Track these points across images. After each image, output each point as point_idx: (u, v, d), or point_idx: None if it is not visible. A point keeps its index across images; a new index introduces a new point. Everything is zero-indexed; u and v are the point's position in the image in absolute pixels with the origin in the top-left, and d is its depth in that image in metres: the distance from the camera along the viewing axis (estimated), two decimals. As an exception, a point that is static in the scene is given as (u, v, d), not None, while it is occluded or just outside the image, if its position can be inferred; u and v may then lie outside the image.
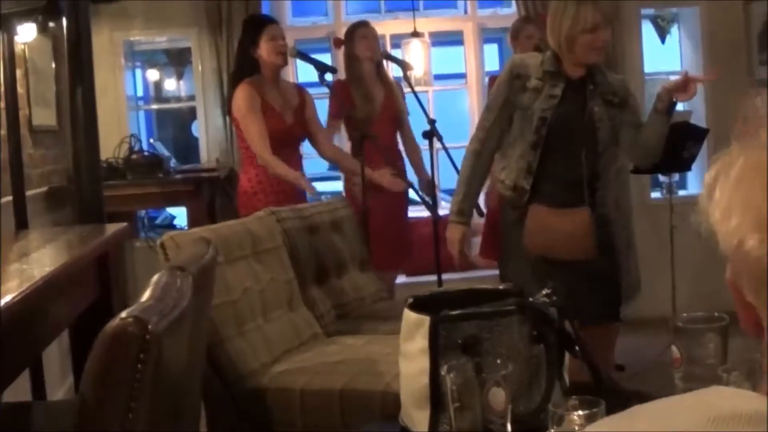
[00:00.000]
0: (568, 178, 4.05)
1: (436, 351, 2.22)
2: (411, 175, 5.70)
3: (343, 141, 6.27)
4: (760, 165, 0.95)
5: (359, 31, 5.61)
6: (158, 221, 7.87)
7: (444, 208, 6.71)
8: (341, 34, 5.84)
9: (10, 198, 4.17)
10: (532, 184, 4.05)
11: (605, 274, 4.18)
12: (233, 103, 5.13)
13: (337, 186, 5.68)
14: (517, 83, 4.04)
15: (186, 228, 5.92)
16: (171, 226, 7.76)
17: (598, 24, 3.97)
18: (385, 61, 5.77)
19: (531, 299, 2.40)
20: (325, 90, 5.25)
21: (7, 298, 2.05)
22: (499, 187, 4.21)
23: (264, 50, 5.11)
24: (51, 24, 4.48)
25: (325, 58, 6.21)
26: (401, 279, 6.34)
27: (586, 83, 4.06)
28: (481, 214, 5.05)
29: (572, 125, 4.02)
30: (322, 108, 5.65)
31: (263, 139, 5.02)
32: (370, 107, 5.51)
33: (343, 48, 5.69)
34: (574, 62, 4.02)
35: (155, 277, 2.07)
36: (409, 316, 2.33)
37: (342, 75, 5.73)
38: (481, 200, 5.43)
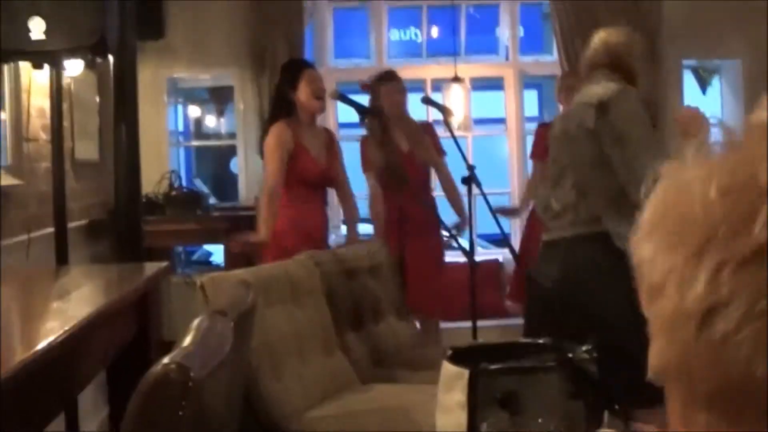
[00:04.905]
0: None
1: (475, 405, 2.21)
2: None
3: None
4: None
5: (384, 87, 5.55)
6: (195, 257, 7.90)
7: (480, 254, 6.70)
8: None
9: (51, 230, 4.19)
10: None
11: None
12: (266, 140, 5.15)
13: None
14: None
15: (223, 266, 5.93)
16: (208, 263, 7.79)
17: None
18: (425, 105, 5.76)
19: (571, 355, 2.38)
20: (364, 132, 5.27)
21: (50, 339, 2.05)
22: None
23: (303, 93, 5.11)
24: (98, 60, 4.52)
25: (366, 100, 6.22)
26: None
27: None
28: (516, 258, 5.05)
29: None
30: (356, 148, 5.64)
31: (279, 176, 4.99)
32: (395, 159, 5.44)
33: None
34: None
35: (196, 322, 2.07)
36: (448, 368, 2.32)
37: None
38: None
